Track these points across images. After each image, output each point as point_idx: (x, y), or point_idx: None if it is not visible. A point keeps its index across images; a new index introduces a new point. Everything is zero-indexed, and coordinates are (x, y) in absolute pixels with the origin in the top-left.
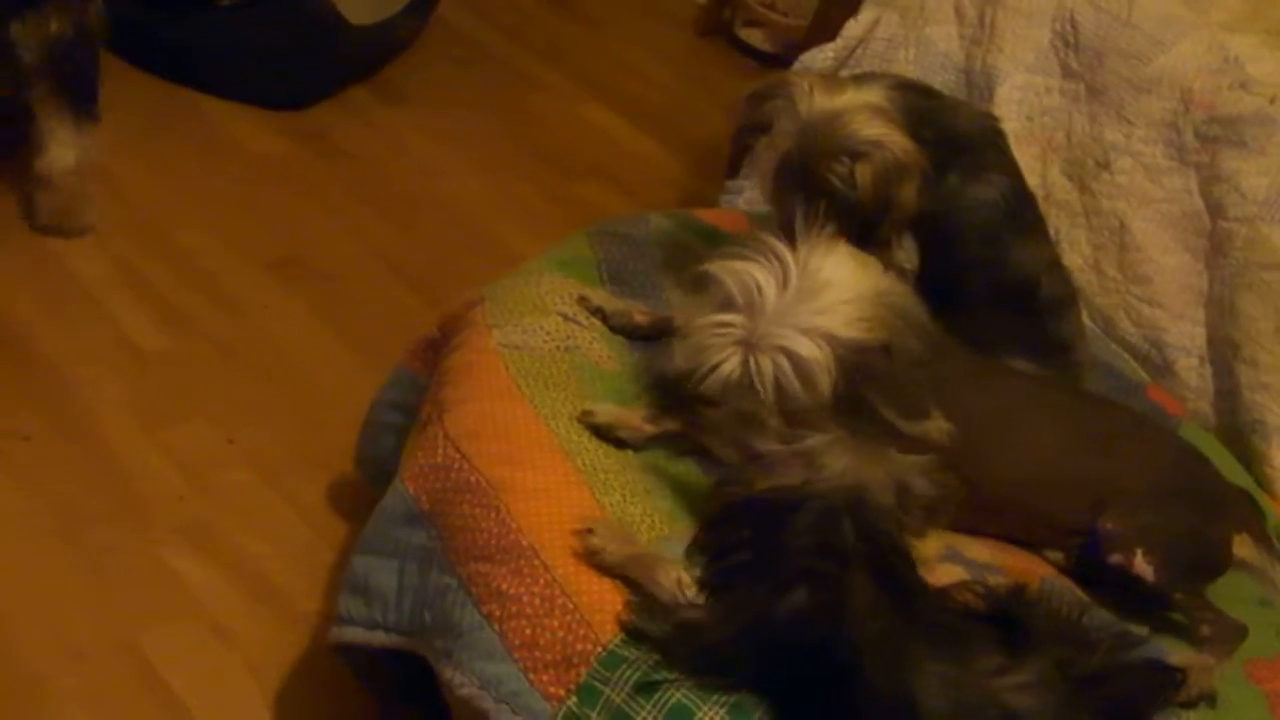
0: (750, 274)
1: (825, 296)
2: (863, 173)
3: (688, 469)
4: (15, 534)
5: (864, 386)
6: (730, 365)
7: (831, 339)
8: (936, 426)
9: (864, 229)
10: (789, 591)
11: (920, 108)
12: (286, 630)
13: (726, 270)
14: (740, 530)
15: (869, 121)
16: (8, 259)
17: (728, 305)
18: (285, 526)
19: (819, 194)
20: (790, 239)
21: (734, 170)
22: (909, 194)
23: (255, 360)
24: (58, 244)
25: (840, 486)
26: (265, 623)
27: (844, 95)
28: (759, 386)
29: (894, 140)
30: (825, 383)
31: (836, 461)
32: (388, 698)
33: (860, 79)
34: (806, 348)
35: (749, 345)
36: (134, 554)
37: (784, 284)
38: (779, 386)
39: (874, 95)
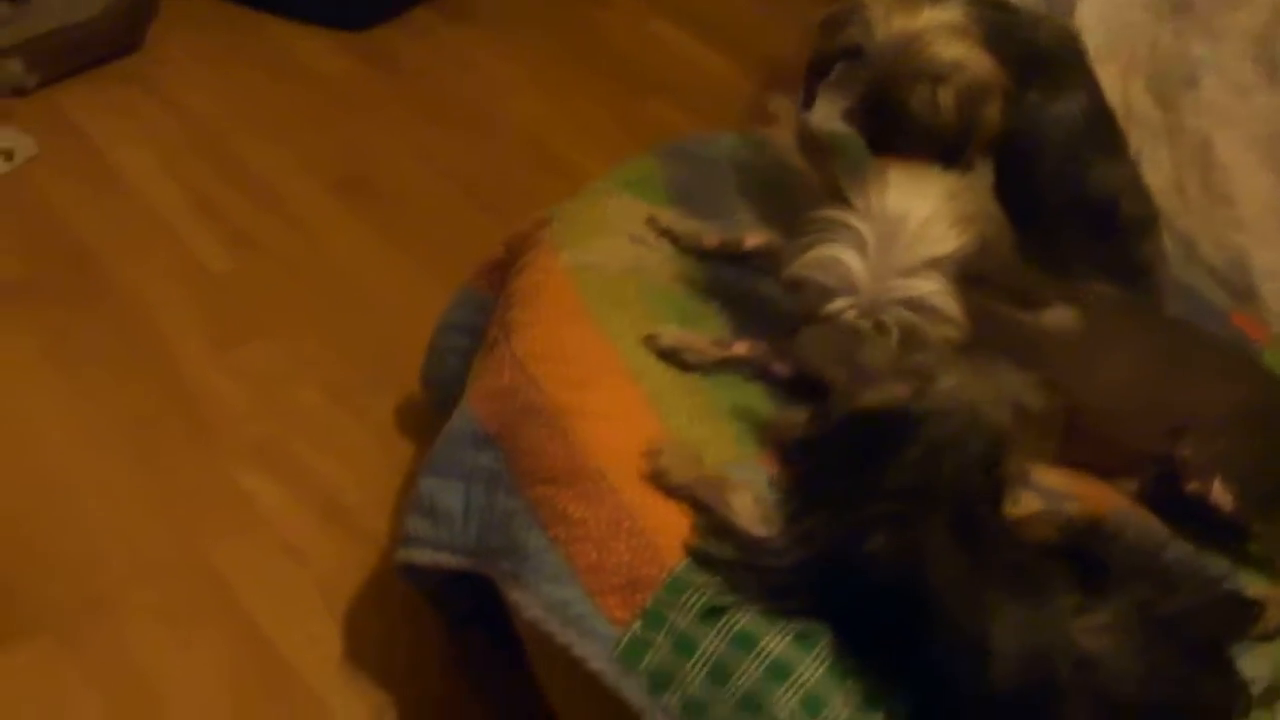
0: (831, 258)
1: (908, 230)
2: (945, 96)
3: (755, 394)
4: (91, 455)
5: (980, 288)
6: (849, 314)
7: (937, 263)
8: (1061, 314)
9: (948, 152)
10: (868, 532)
11: (999, 24)
12: (356, 549)
13: (808, 268)
14: (828, 452)
15: (949, 42)
16: (77, 183)
17: (827, 297)
18: (354, 446)
19: (901, 119)
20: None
21: (810, 101)
22: (993, 114)
23: (323, 280)
24: (129, 166)
25: (953, 407)
26: (335, 542)
27: (921, 16)
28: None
29: (975, 60)
30: (955, 308)
31: (948, 377)
32: (456, 620)
33: None
34: (921, 286)
35: (868, 315)
36: (206, 472)
37: (864, 247)
38: (915, 336)
39: (952, 14)
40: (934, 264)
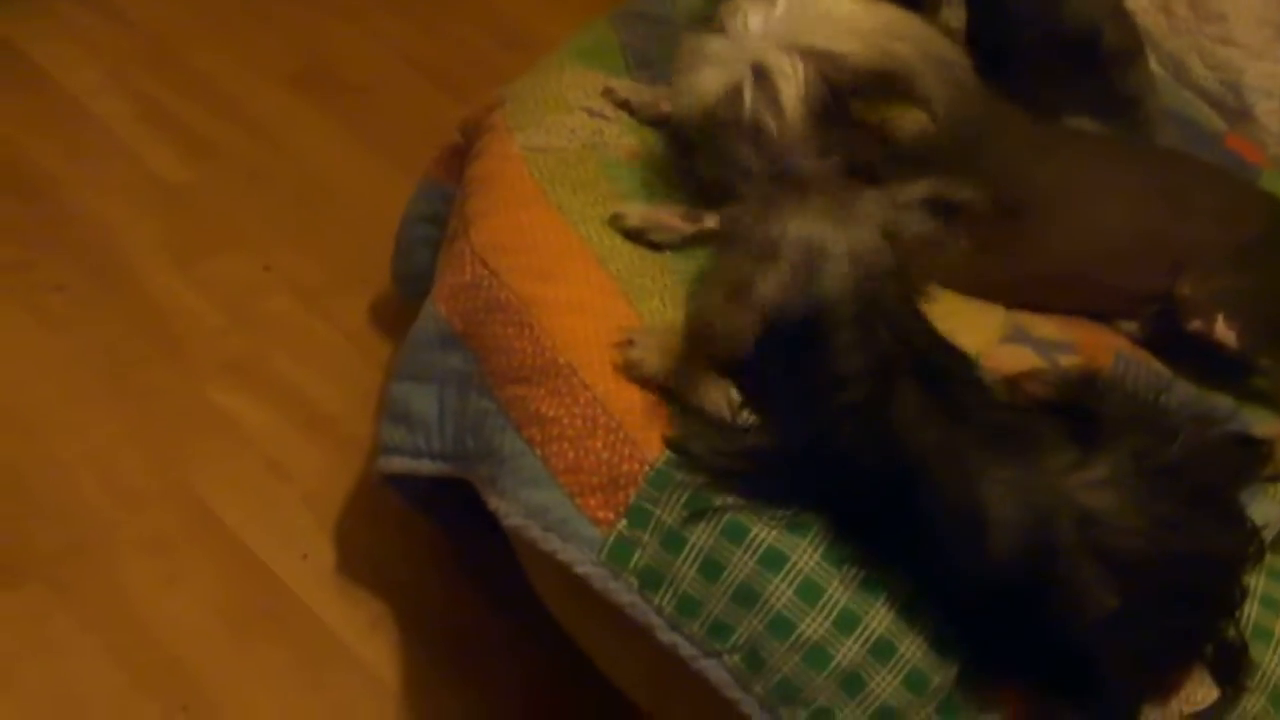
0: (737, 6)
1: (809, 14)
2: None
3: None
4: (61, 385)
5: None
6: (708, 85)
7: (810, 52)
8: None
9: None
10: (836, 423)
11: None
12: (340, 458)
13: (725, 9)
14: (775, 360)
15: None
16: (24, 105)
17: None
18: (331, 352)
19: None
20: None
21: None
22: None
23: (286, 182)
24: (74, 85)
25: (851, 283)
26: (318, 453)
27: None
28: (735, 108)
29: None
30: (792, 102)
31: (831, 254)
32: (448, 522)
33: None
34: (778, 62)
35: (724, 66)
36: (181, 395)
37: (769, 10)
38: (738, 109)
39: None
40: (809, 54)
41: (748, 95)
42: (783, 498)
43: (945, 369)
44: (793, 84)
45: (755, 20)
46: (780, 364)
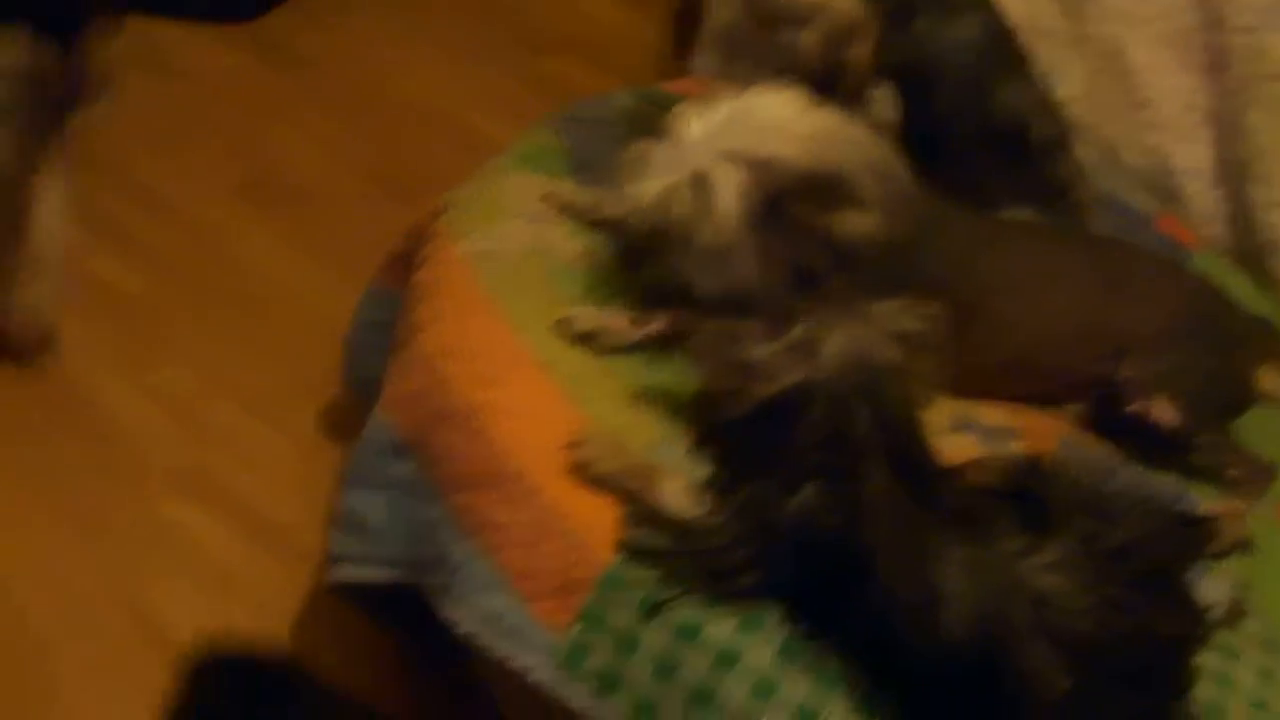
0: (684, 111)
1: (748, 123)
2: (808, 40)
3: (678, 368)
4: (8, 498)
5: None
6: (648, 193)
7: (746, 160)
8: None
9: (818, 93)
10: (798, 489)
11: None
12: (292, 569)
13: (673, 116)
14: (743, 435)
15: None
16: None
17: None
18: (281, 461)
19: (770, 63)
20: None
21: (682, 50)
22: (861, 54)
23: (234, 290)
24: None
25: (846, 365)
26: (270, 564)
27: None
28: (670, 217)
29: (840, 3)
30: (728, 205)
31: (832, 340)
32: (401, 628)
33: None
34: (715, 169)
35: (667, 173)
36: (130, 507)
37: (711, 117)
38: (673, 218)
39: None
40: (743, 157)
41: (683, 203)
42: (737, 589)
43: (911, 454)
44: (728, 191)
45: (697, 127)
46: (752, 438)
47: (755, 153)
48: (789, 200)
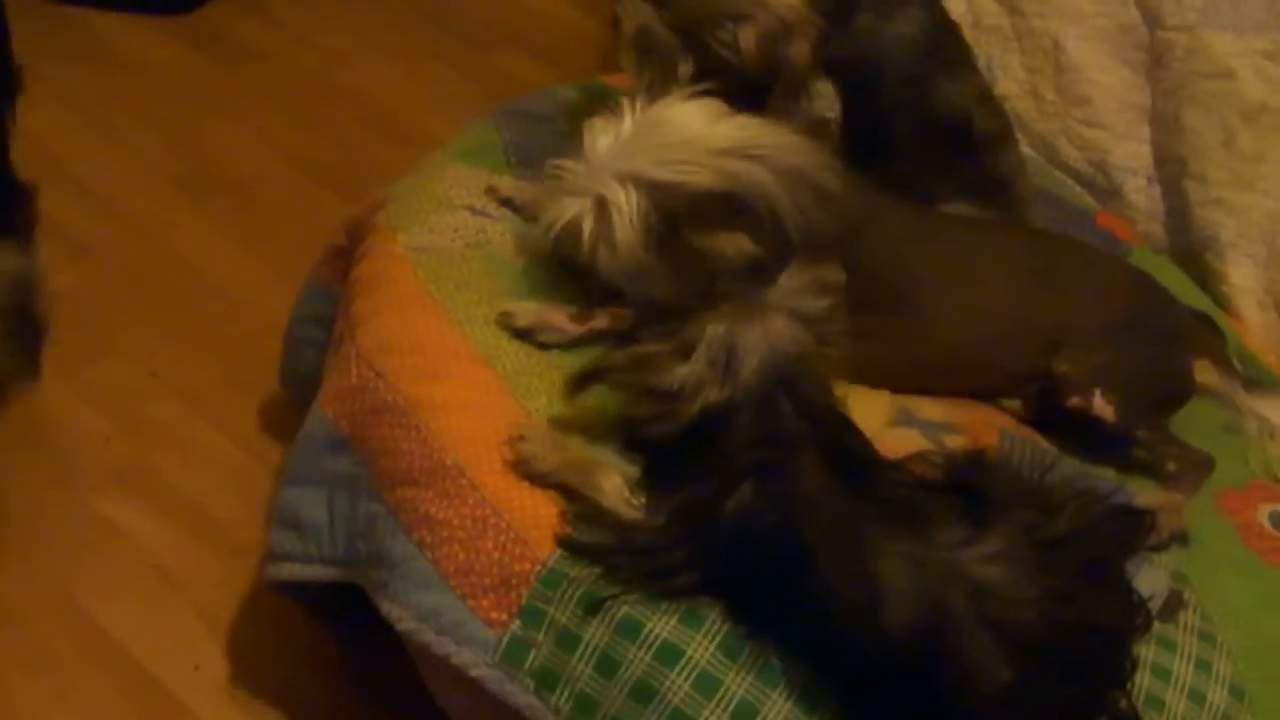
0: (592, 126)
1: (650, 140)
2: (746, 37)
3: None
4: None
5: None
6: (558, 216)
7: (644, 183)
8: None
9: (756, 93)
10: (734, 488)
11: None
12: (230, 565)
13: (587, 126)
14: (676, 447)
15: None
16: None
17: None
18: (218, 457)
19: (704, 61)
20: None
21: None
22: (800, 52)
23: (170, 285)
24: None
25: (764, 366)
26: (207, 560)
27: None
28: (575, 240)
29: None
30: (624, 235)
31: (742, 341)
32: (342, 626)
33: None
34: (614, 194)
35: (576, 195)
36: (64, 506)
37: (617, 133)
38: (576, 242)
39: None
40: (642, 183)
41: (586, 228)
42: (677, 587)
43: (845, 446)
44: (625, 216)
45: (602, 143)
46: (682, 441)
47: (652, 175)
48: (680, 223)
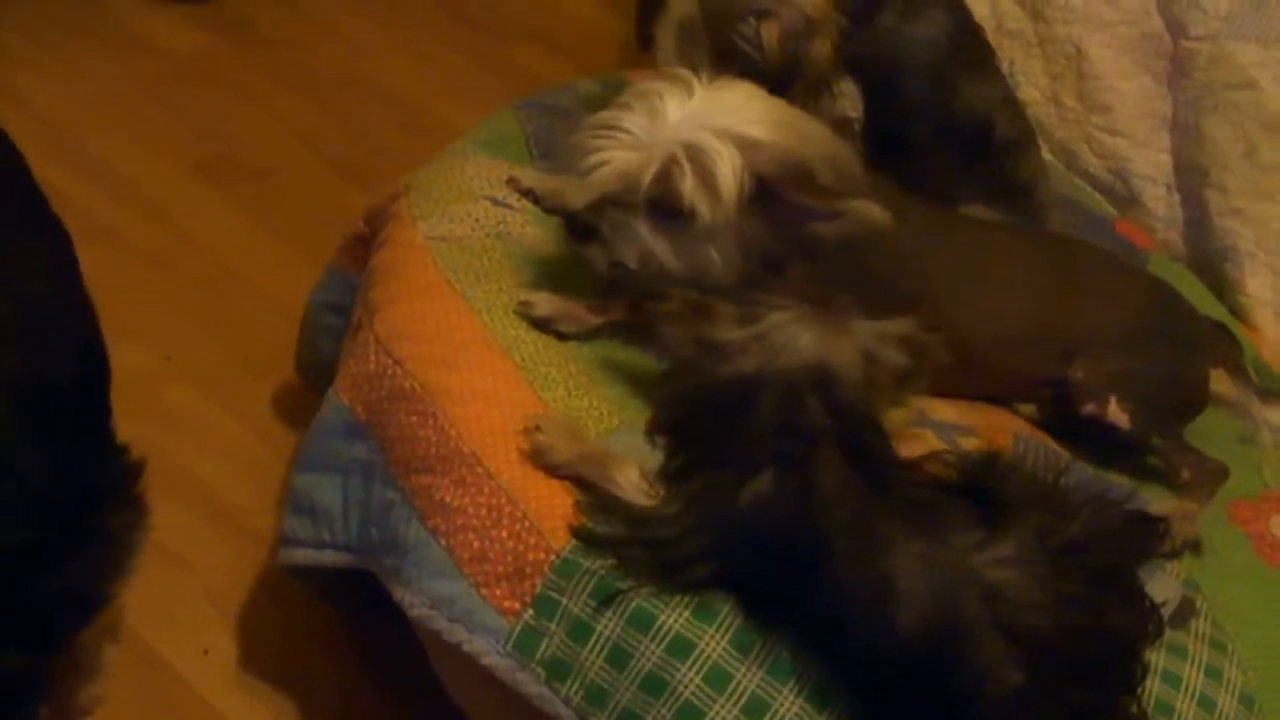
0: (652, 88)
1: (732, 102)
2: (768, 32)
3: (636, 355)
4: None
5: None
6: (626, 164)
7: (742, 140)
8: (866, 208)
9: (776, 88)
10: (753, 477)
11: None
12: (242, 550)
13: (631, 91)
14: (698, 419)
15: None
16: None
17: (626, 111)
18: (232, 442)
19: (727, 56)
20: None
21: (645, 42)
22: (821, 51)
23: (188, 269)
24: None
25: (802, 365)
26: (220, 545)
27: None
28: (647, 186)
29: None
30: (728, 177)
31: (798, 339)
32: (353, 613)
33: None
34: (710, 143)
35: (645, 146)
36: None
37: (688, 94)
38: (672, 188)
39: None
40: (739, 139)
41: (685, 176)
42: (690, 579)
43: (867, 444)
44: (728, 166)
45: (674, 105)
46: (703, 429)
47: (744, 132)
48: (778, 184)
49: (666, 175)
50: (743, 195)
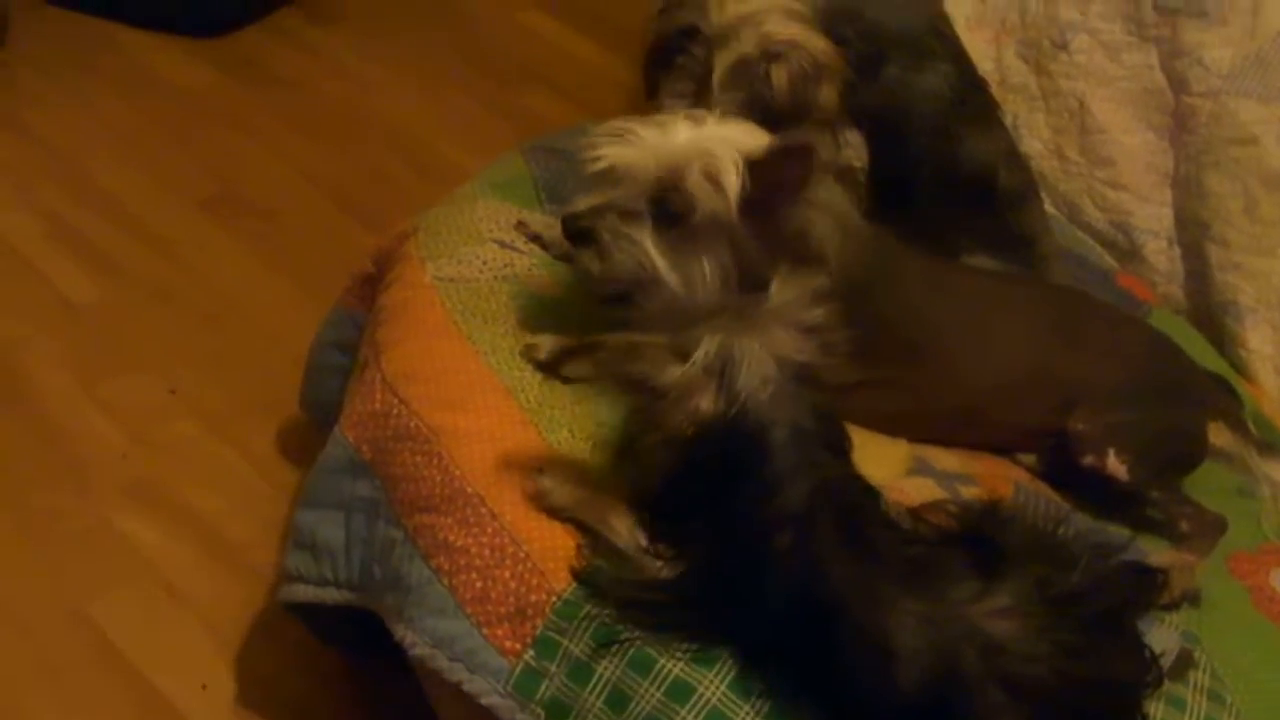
0: (663, 115)
1: (738, 129)
2: (778, 75)
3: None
4: None
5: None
6: (627, 161)
7: (745, 153)
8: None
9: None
10: (755, 550)
11: (840, 6)
12: (241, 586)
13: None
14: (686, 488)
15: (783, 23)
16: None
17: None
18: (234, 477)
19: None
20: None
21: (652, 91)
22: (828, 95)
23: (194, 304)
24: None
25: (763, 380)
26: (219, 579)
27: (757, 3)
28: (654, 183)
29: (809, 41)
30: (735, 186)
31: (748, 353)
32: (351, 652)
33: None
34: (721, 149)
35: (653, 148)
36: (79, 518)
37: (698, 121)
38: (679, 187)
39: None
40: (735, 146)
41: (692, 174)
42: (691, 630)
43: (857, 504)
44: (734, 169)
45: (684, 124)
46: (702, 492)
47: (748, 148)
48: (771, 191)
49: (674, 174)
50: (742, 198)
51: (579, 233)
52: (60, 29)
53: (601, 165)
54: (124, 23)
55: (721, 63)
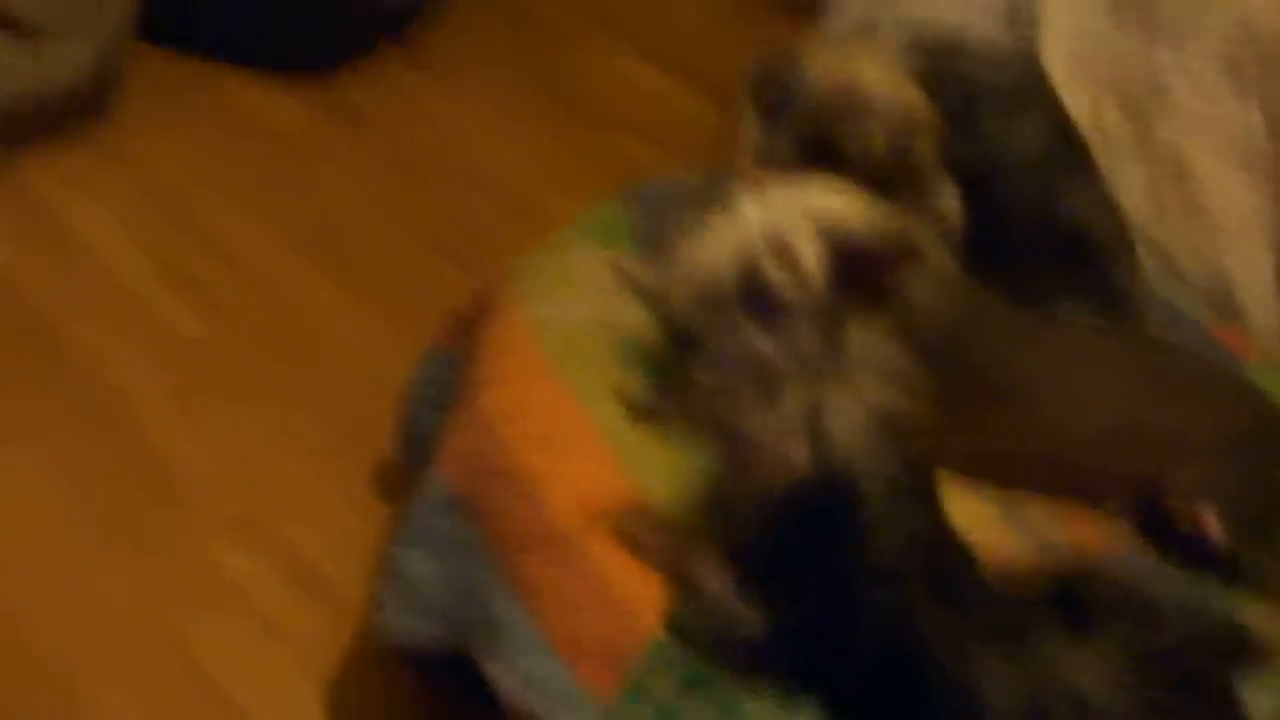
0: (733, 188)
1: (814, 200)
2: (874, 130)
3: None
4: (61, 535)
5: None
6: (713, 259)
7: (824, 223)
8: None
9: (880, 188)
10: (855, 594)
11: (936, 63)
12: (336, 621)
13: (726, 195)
14: (768, 542)
15: (877, 77)
16: (38, 254)
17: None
18: (332, 513)
19: (833, 159)
20: None
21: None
22: (923, 148)
23: (294, 342)
24: (88, 236)
25: (853, 429)
26: (314, 614)
27: (852, 55)
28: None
29: (904, 95)
30: (812, 268)
31: (843, 409)
32: (445, 689)
33: (870, 39)
34: (793, 227)
35: (734, 239)
36: (180, 550)
37: (771, 193)
38: (761, 280)
39: (884, 56)
40: (814, 220)
41: (767, 265)
42: (779, 675)
43: (948, 558)
44: (812, 251)
45: (757, 200)
46: (793, 542)
47: (828, 215)
48: (860, 264)
49: (753, 269)
50: (829, 275)
51: (685, 339)
52: (167, 71)
53: (683, 272)
54: (224, 61)
55: (817, 118)
